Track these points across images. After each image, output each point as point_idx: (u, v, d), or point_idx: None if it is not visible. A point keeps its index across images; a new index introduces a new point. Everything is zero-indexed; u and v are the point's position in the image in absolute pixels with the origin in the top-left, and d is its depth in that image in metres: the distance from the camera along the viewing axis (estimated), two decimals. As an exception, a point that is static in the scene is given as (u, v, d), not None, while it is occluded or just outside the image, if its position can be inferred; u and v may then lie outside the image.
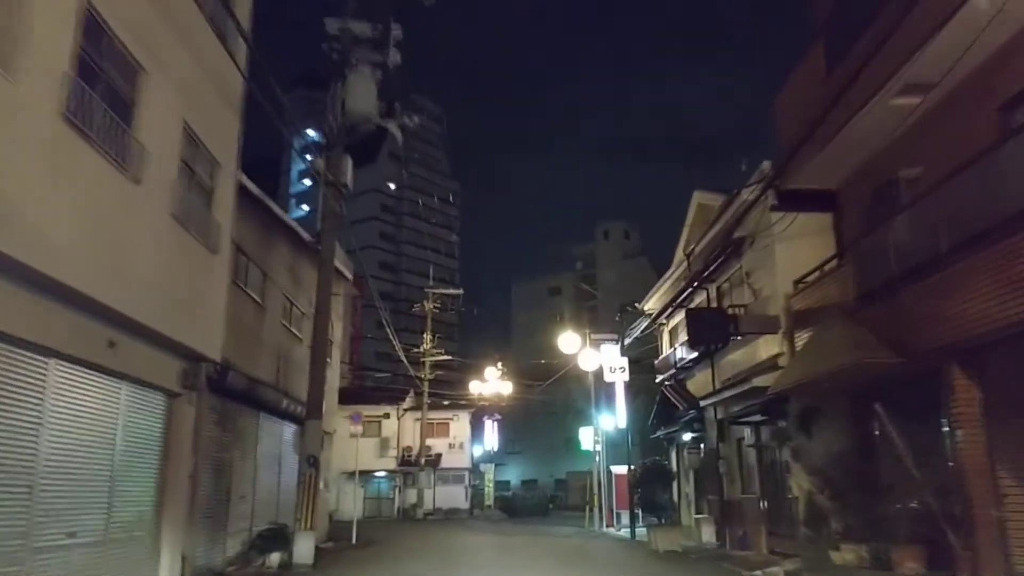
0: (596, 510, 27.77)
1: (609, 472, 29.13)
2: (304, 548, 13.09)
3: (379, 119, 15.59)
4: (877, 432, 10.83)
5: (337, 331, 21.75)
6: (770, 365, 13.18)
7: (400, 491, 39.99)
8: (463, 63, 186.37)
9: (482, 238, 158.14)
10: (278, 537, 13.87)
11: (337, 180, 15.11)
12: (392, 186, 71.33)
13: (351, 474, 40.56)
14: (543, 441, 61.37)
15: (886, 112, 10.23)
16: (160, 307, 9.16)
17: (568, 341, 22.04)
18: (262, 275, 14.75)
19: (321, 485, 20.64)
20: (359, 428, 20.89)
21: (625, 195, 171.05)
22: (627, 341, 21.52)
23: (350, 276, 25.74)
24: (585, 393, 42.82)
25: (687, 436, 18.84)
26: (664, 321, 21.24)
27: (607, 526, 27.04)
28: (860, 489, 10.95)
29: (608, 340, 21.78)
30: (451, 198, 73.87)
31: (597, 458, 28.77)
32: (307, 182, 75.50)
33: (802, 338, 12.32)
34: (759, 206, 13.00)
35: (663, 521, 17.57)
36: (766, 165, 13.50)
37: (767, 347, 13.63)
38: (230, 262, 12.15)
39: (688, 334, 13.25)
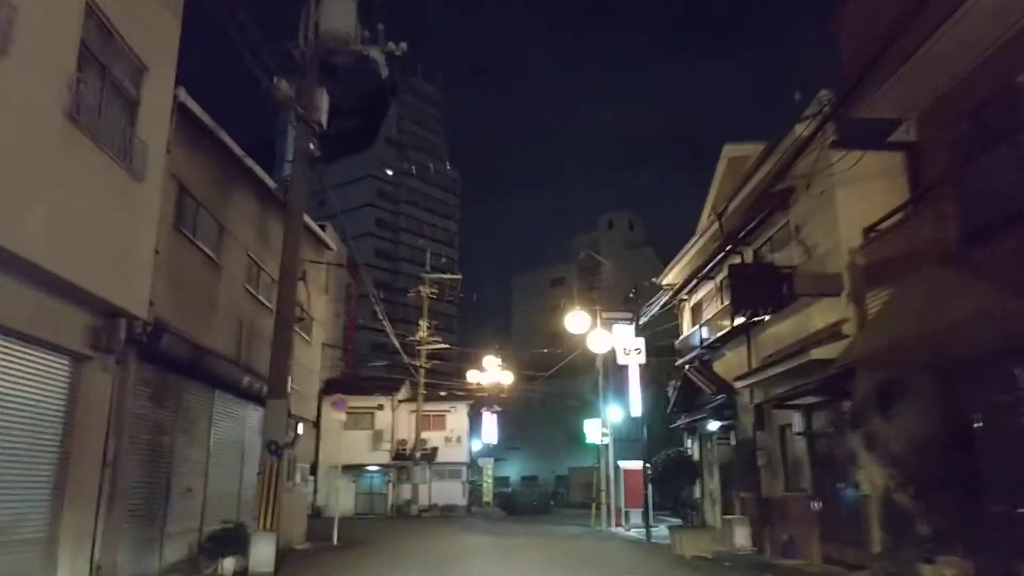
0: (604, 508, 25.42)
1: (617, 468, 26.87)
2: (262, 552, 10.76)
3: (359, 45, 13.28)
4: (978, 413, 8.48)
5: (319, 306, 19.40)
6: (830, 334, 10.83)
7: (394, 486, 37.71)
8: (464, 50, 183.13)
9: (482, 228, 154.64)
10: (233, 539, 11.52)
11: (309, 115, 12.77)
12: (389, 172, 68.92)
13: (342, 468, 38.31)
14: (544, 436, 59.17)
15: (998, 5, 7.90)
16: (46, 237, 6.81)
17: (576, 320, 19.67)
18: (217, 227, 12.38)
19: (298, 478, 18.40)
20: (342, 415, 18.53)
21: (630, 188, 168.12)
22: (643, 320, 19.16)
23: (333, 247, 23.35)
24: (591, 383, 40.59)
25: (713, 425, 16.49)
26: (685, 296, 18.89)
27: (615, 526, 24.76)
28: (953, 485, 8.61)
29: (621, 320, 19.40)
30: (450, 186, 71.64)
31: (605, 453, 26.46)
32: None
33: (876, 298, 9.97)
34: (814, 148, 10.63)
35: (688, 521, 15.24)
36: (825, 94, 11.13)
37: (824, 313, 11.28)
38: (166, 198, 9.79)
39: (732, 295, 10.95)
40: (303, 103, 12.62)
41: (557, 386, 61.23)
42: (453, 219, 72.81)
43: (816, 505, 11.63)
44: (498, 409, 34.96)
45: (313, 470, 38.35)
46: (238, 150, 12.88)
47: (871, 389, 9.76)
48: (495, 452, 38.77)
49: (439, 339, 38.34)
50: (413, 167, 61.55)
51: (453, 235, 74.75)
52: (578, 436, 59.67)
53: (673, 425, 19.01)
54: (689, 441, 19.65)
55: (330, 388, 40.66)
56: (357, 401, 39.02)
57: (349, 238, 39.01)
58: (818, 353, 10.48)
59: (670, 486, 14.68)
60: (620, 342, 18.56)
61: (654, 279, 19.14)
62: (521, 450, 61.34)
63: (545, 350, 44.72)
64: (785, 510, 12.76)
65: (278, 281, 12.22)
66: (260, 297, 14.56)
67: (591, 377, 40.45)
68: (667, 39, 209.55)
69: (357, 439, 38.25)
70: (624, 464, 27.12)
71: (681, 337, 19.11)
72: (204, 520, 11.70)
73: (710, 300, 17.33)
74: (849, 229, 10.91)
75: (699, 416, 16.96)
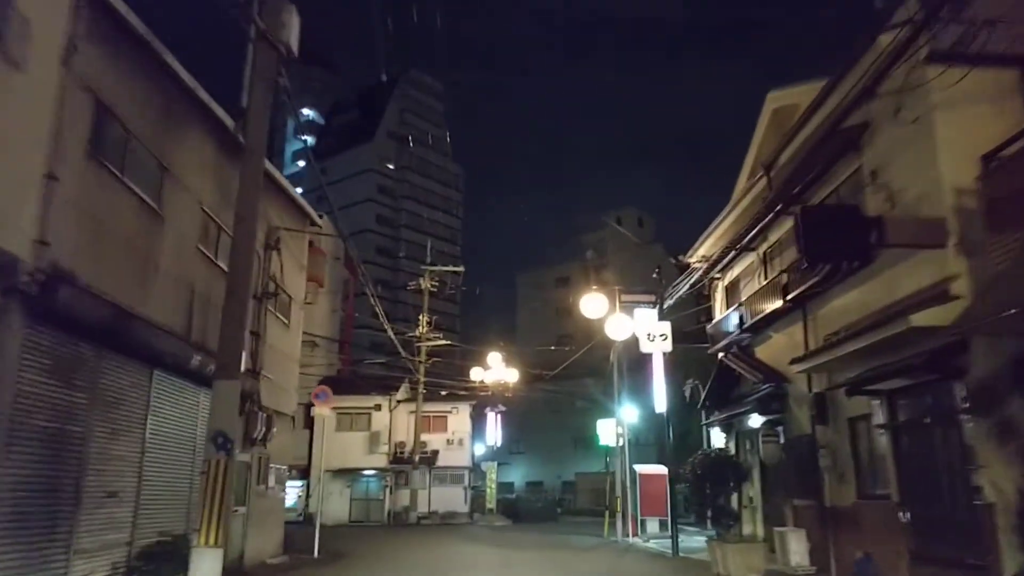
0: (619, 516, 23.02)
1: (633, 472, 24.48)
2: (204, 574, 8.40)
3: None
4: None
5: (298, 284, 17.05)
6: (930, 297, 8.43)
7: (391, 492, 35.33)
8: (467, 45, 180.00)
9: (486, 225, 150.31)
10: (171, 555, 9.20)
11: (274, 33, 10.42)
12: (391, 166, 66.67)
13: (336, 472, 35.98)
14: (549, 440, 56.85)
15: None
16: None
17: (592, 303, 17.29)
18: (159, 168, 10.04)
19: (272, 482, 16.07)
20: (326, 409, 16.18)
21: (639, 185, 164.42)
22: (668, 303, 16.77)
23: (320, 223, 21.00)
24: (602, 383, 38.21)
25: (756, 420, 14.06)
26: (718, 275, 16.50)
27: (631, 535, 22.38)
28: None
29: (643, 303, 17.03)
30: (453, 181, 69.37)
31: (621, 456, 24.06)
32: (302, 164, 71.52)
33: (1003, 247, 7.59)
34: (901, 64, 8.27)
35: (726, 532, 12.81)
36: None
37: (919, 271, 8.89)
38: (72, 111, 7.47)
39: (802, 245, 8.59)
40: (266, 19, 10.27)
41: (564, 388, 59.12)
42: (456, 215, 70.49)
43: (905, 515, 9.22)
44: (503, 409, 32.56)
45: (305, 474, 36.18)
46: (188, 77, 10.51)
47: (999, 365, 7.37)
48: (499, 456, 36.32)
49: (439, 335, 35.97)
50: (414, 162, 59.41)
51: (455, 232, 72.48)
52: (586, 440, 57.55)
53: (705, 422, 16.57)
54: (721, 440, 17.19)
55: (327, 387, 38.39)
56: (353, 401, 36.75)
57: (345, 233, 36.64)
58: (919, 319, 8.08)
59: (713, 491, 12.27)
60: (642, 327, 16.16)
61: (680, 256, 16.70)
62: (525, 455, 58.95)
63: (553, 347, 42.37)
64: (859, 521, 10.33)
65: (233, 232, 9.85)
66: (220, 263, 12.17)
67: (601, 377, 38.10)
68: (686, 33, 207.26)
69: (352, 441, 35.96)
70: (641, 468, 24.72)
71: (714, 321, 16.70)
72: (136, 532, 9.33)
73: (750, 276, 14.94)
74: (954, 163, 8.53)
75: (738, 410, 14.53)
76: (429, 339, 35.60)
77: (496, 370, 31.21)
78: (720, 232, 16.05)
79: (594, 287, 19.32)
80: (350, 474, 35.36)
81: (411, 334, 35.75)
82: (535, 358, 43.97)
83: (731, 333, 14.94)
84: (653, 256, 64.75)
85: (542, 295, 69.00)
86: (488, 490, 33.68)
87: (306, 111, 74.85)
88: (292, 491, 35.47)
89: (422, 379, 35.43)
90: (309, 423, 37.39)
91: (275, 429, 14.30)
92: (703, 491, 12.75)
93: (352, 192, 64.59)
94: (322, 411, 15.78)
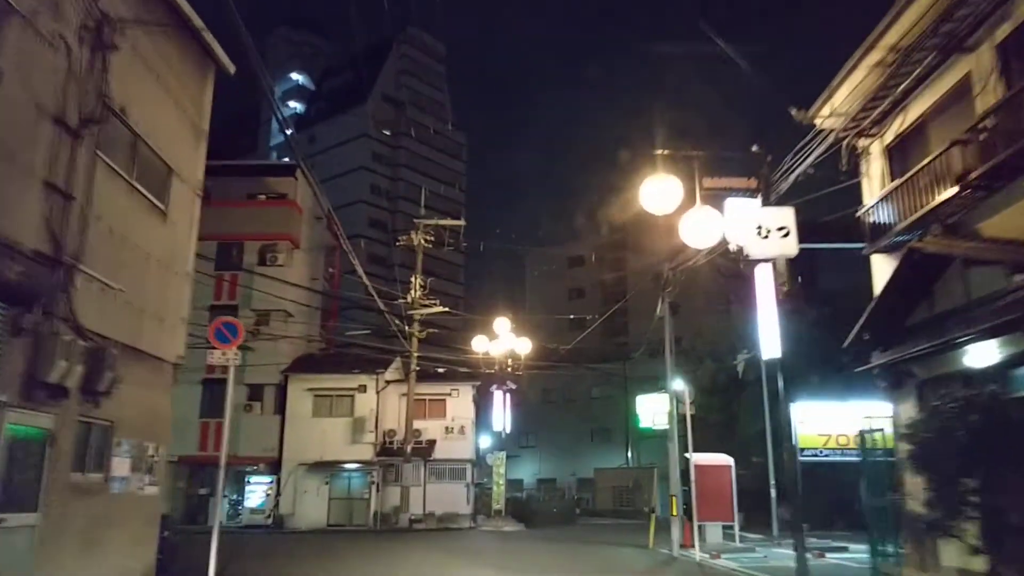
0: (674, 520, 16.79)
1: (687, 463, 18.30)
2: None
3: None
4: None
5: (189, 155, 10.81)
6: None
7: (378, 489, 29.28)
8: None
9: (493, 200, 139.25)
10: None
11: None
12: (387, 132, 60.46)
13: (312, 466, 29.87)
14: (563, 433, 50.70)
15: None
16: None
17: (659, 191, 10.84)
18: None
19: (126, 469, 9.90)
20: (229, 354, 9.89)
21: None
22: (784, 184, 10.50)
23: (227, 62, 14.74)
24: (635, 356, 31.96)
25: (983, 353, 7.71)
26: (871, 132, 10.22)
27: (685, 546, 16.26)
28: None
29: (738, 190, 10.81)
30: (455, 150, 63.11)
31: (671, 441, 17.86)
32: (292, 103, 65.26)
33: None
34: None
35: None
36: None
37: None
38: None
39: None
40: None
41: (579, 375, 52.86)
42: (459, 187, 64.31)
43: None
44: (512, 387, 26.26)
45: (276, 469, 30.09)
46: None
47: None
48: (506, 448, 29.93)
49: (436, 301, 29.77)
50: (412, 128, 53.22)
51: (458, 205, 66.19)
52: (604, 432, 51.24)
53: (869, 366, 10.11)
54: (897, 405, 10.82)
55: (303, 367, 32.39)
56: (332, 381, 30.67)
57: (320, 187, 30.47)
58: None
59: (990, 477, 6.06)
60: (741, 224, 9.84)
61: (799, 108, 10.44)
62: (536, 449, 52.75)
63: (572, 316, 36.25)
64: None
65: None
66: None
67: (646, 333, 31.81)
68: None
69: (332, 429, 29.92)
70: (698, 458, 18.49)
71: (865, 207, 10.40)
72: None
73: (960, 103, 8.67)
74: None
75: (952, 339, 8.09)
76: (423, 305, 29.44)
77: (504, 340, 24.94)
78: (866, 66, 9.68)
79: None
80: (329, 468, 29.37)
81: (402, 299, 29.63)
82: (546, 340, 37.74)
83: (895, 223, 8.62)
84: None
85: (553, 275, 62.90)
86: (495, 487, 27.36)
87: (295, 76, 68.88)
88: (259, 489, 29.40)
89: (414, 354, 29.27)
90: (280, 406, 31.29)
91: (117, 378, 8.08)
92: (961, 475, 6.35)
93: (344, 160, 58.43)
94: (223, 359, 9.52)
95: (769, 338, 10.33)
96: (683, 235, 11.13)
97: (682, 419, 18.49)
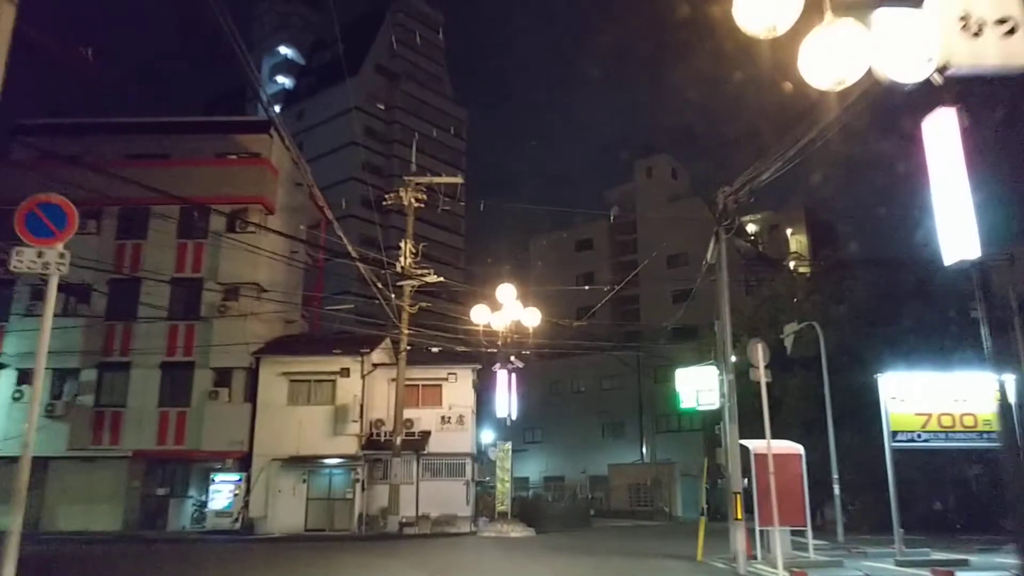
0: (734, 526, 12.74)
1: (745, 451, 14.30)
2: None
3: None
4: None
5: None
6: None
7: (364, 488, 25.35)
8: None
9: (495, 181, 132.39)
10: None
11: None
12: (381, 107, 56.42)
13: (287, 462, 25.85)
14: (572, 427, 46.74)
15: None
16: None
17: None
18: None
19: None
20: (50, 254, 5.77)
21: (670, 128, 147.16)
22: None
23: None
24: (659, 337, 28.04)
25: None
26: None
27: (745, 556, 12.22)
28: None
29: None
30: (455, 127, 59.06)
31: (726, 422, 13.82)
32: (280, 78, 61.11)
33: None
34: None
35: None
36: None
37: None
38: None
39: None
40: None
41: (589, 363, 48.84)
42: (458, 167, 60.26)
43: None
44: (519, 365, 22.16)
45: (246, 464, 26.11)
46: None
47: None
48: (512, 439, 25.79)
49: (429, 270, 25.78)
50: (408, 102, 49.14)
51: (458, 186, 62.18)
52: (616, 426, 47.08)
53: None
54: None
55: (279, 348, 28.39)
56: (310, 364, 26.71)
57: (295, 144, 26.45)
58: None
59: None
60: (903, 42, 5.66)
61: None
62: (542, 444, 48.69)
63: (587, 287, 32.22)
64: None
65: None
66: None
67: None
68: None
69: (310, 419, 26.01)
70: (758, 445, 14.39)
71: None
72: None
73: None
74: None
75: None
76: (415, 274, 25.42)
77: (509, 310, 20.88)
78: None
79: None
80: (307, 464, 25.46)
81: (389, 267, 25.63)
82: (553, 332, 33.67)
83: None
84: (692, 211, 54.52)
85: (560, 260, 58.98)
86: (499, 485, 23.25)
87: (283, 49, 64.84)
88: (225, 488, 25.36)
89: (404, 331, 25.26)
90: (251, 394, 27.29)
91: None
92: None
93: (334, 136, 54.38)
94: (38, 263, 5.38)
95: (956, 227, 6.06)
96: (804, 67, 6.64)
97: (745, 394, 14.45)
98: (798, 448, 14.64)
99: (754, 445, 14.26)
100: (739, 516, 12.13)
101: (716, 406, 15.54)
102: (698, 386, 15.81)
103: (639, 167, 60.36)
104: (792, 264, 33.65)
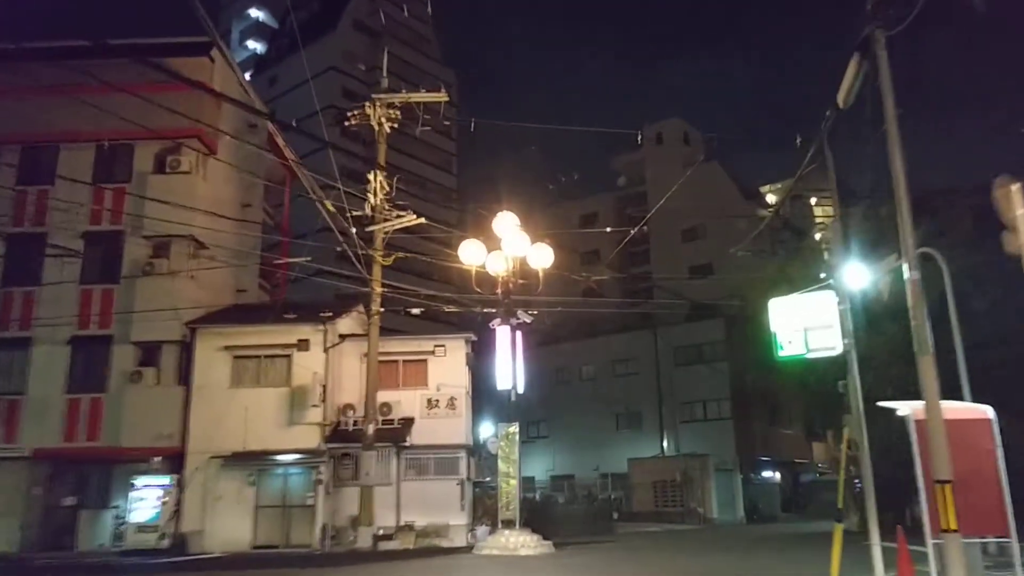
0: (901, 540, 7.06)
1: (906, 424, 8.62)
2: None
3: None
4: None
5: None
6: None
7: (328, 492, 19.82)
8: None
9: (489, 148, 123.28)
10: None
11: None
12: (362, 67, 50.87)
13: (231, 459, 20.23)
14: (582, 419, 41.09)
15: None
16: None
17: None
18: None
19: None
20: None
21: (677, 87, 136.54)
22: None
23: None
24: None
25: None
26: None
27: None
28: None
29: None
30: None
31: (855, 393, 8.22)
32: (251, 43, 55.73)
33: None
34: None
35: None
36: None
37: None
38: None
39: None
40: None
41: (599, 348, 43.37)
42: (448, 136, 54.73)
43: None
44: (528, 318, 16.44)
45: (178, 465, 20.48)
46: None
47: None
48: (521, 417, 19.81)
49: (408, 211, 20.28)
50: (391, 62, 43.38)
51: (449, 156, 56.67)
52: (633, 416, 41.29)
53: None
54: None
55: (221, 318, 22.76)
56: (259, 336, 21.06)
57: (242, 72, 20.96)
58: None
59: None
60: None
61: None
62: (548, 439, 42.99)
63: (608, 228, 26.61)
64: None
65: None
66: None
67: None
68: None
69: (259, 405, 20.51)
70: (919, 408, 8.64)
71: None
72: None
73: None
74: None
75: None
76: (388, 218, 19.93)
77: (510, 245, 15.23)
78: None
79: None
80: (255, 462, 19.94)
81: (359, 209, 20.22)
82: (557, 324, 28.27)
83: None
84: (707, 177, 48.99)
85: (564, 237, 53.51)
86: (504, 484, 17.43)
87: (254, 12, 59.27)
88: (150, 495, 19.72)
89: (377, 288, 19.74)
90: (184, 375, 21.64)
91: None
92: None
93: (310, 101, 48.69)
94: None
95: None
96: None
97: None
98: (986, 411, 8.98)
99: (914, 408, 8.61)
100: (952, 524, 6.50)
101: (837, 351, 10.07)
102: (806, 322, 10.23)
103: (649, 132, 54.75)
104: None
